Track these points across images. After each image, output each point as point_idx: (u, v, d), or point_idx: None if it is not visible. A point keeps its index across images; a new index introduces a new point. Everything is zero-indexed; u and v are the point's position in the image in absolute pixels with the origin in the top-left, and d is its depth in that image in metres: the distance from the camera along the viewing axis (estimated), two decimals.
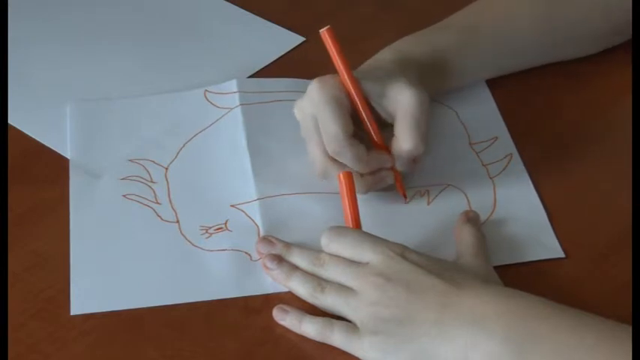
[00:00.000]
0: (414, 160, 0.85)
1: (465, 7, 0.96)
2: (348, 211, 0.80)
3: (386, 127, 0.85)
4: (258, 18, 1.06)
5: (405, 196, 0.86)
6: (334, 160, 0.83)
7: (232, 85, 0.96)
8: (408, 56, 0.89)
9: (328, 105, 0.81)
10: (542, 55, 0.98)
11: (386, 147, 0.84)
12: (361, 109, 0.83)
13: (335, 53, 0.83)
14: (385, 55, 0.89)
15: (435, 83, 0.91)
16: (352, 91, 0.83)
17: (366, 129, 0.84)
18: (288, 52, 1.00)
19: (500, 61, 0.96)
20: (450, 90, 0.95)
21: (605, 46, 0.99)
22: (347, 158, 0.82)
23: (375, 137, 0.84)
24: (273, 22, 1.05)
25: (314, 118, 0.83)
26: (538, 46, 0.97)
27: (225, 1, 1.09)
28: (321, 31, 0.83)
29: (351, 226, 0.79)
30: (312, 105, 0.83)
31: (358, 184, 0.83)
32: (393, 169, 0.84)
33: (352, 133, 0.82)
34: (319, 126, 0.82)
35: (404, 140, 0.83)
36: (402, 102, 0.83)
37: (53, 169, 0.88)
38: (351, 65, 0.84)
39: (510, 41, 0.95)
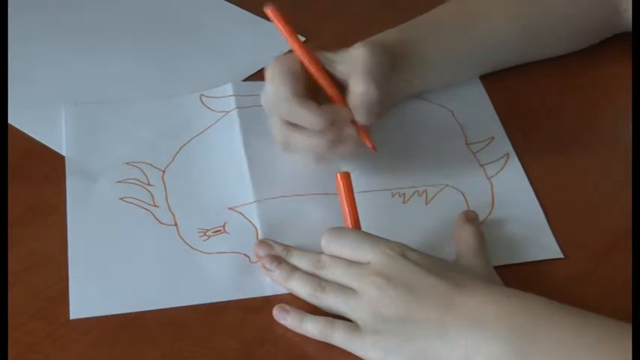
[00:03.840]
0: (375, 111, 0.84)
1: (441, 5, 0.96)
2: (347, 211, 0.80)
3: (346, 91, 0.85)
4: (257, 18, 1.06)
5: (374, 148, 0.85)
6: (290, 125, 0.83)
7: (228, 89, 0.96)
8: (378, 43, 0.89)
9: (279, 75, 0.82)
10: (519, 53, 0.98)
11: (345, 104, 0.84)
12: (315, 72, 0.84)
13: (283, 27, 0.84)
14: (355, 45, 0.89)
15: (409, 72, 0.91)
16: (305, 57, 0.84)
17: (324, 90, 0.84)
18: (288, 52, 1.00)
19: (476, 60, 0.97)
20: (429, 87, 0.95)
21: (586, 44, 0.99)
22: (300, 115, 0.82)
23: (334, 96, 0.84)
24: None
25: (273, 93, 0.83)
26: (516, 44, 0.97)
27: (224, 1, 1.09)
28: (266, 10, 0.84)
29: (350, 226, 0.80)
30: (270, 83, 0.83)
31: (320, 143, 0.83)
32: (353, 122, 0.84)
33: (304, 96, 0.82)
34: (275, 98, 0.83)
35: (355, 85, 0.83)
36: (354, 58, 0.84)
37: (53, 168, 0.88)
38: None
39: (486, 40, 0.95)
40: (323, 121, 0.82)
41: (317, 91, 0.84)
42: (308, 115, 0.82)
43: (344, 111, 0.83)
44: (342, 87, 0.85)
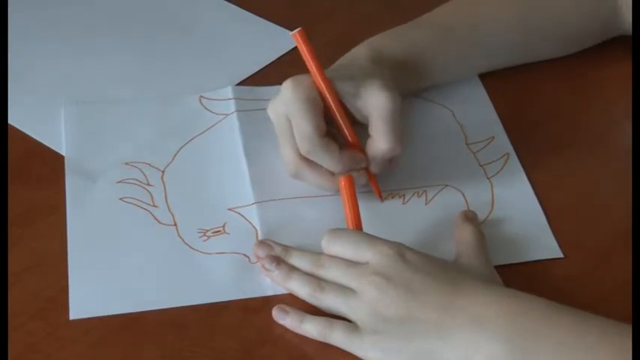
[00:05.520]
0: (389, 161, 0.85)
1: (443, 5, 0.96)
2: (349, 213, 0.80)
3: (358, 125, 0.85)
4: (258, 18, 1.06)
5: (381, 197, 0.86)
6: (306, 160, 0.83)
7: (227, 92, 0.96)
8: (382, 54, 0.89)
9: (301, 105, 0.81)
10: (518, 55, 0.98)
11: (360, 146, 0.84)
12: (334, 109, 0.83)
13: (307, 54, 0.83)
14: (360, 51, 0.90)
15: (409, 82, 0.91)
16: (325, 91, 0.83)
17: (339, 128, 0.84)
18: (288, 52, 1.00)
19: (476, 61, 0.97)
20: (424, 88, 0.95)
21: (585, 46, 0.99)
22: (320, 157, 0.82)
23: (349, 137, 0.84)
24: (273, 22, 1.05)
25: (287, 118, 0.83)
26: (514, 46, 0.97)
27: (224, 1, 1.09)
28: (291, 33, 0.83)
29: (352, 228, 0.80)
30: (286, 105, 0.83)
31: (330, 184, 0.83)
32: (366, 169, 0.84)
33: (325, 133, 0.82)
34: (292, 126, 0.82)
35: (381, 141, 0.83)
36: (377, 104, 0.83)
37: (53, 168, 0.88)
38: None
39: (485, 41, 0.96)
40: (341, 169, 0.82)
41: (329, 122, 0.83)
42: (329, 161, 0.82)
43: (362, 159, 0.84)
44: (353, 119, 0.85)
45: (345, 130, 0.84)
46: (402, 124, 0.84)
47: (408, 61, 0.91)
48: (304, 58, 0.83)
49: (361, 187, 0.85)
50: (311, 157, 0.83)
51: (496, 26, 0.96)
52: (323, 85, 0.83)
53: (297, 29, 0.82)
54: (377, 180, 0.86)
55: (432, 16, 0.96)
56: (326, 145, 0.82)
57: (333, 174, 0.84)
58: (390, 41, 0.92)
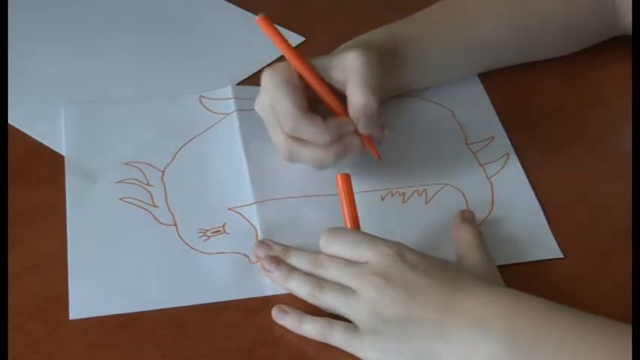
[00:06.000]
0: (380, 127, 0.85)
1: (434, 4, 0.96)
2: (347, 212, 0.80)
3: (343, 98, 0.85)
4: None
5: (379, 156, 0.86)
6: (295, 139, 0.83)
7: (227, 92, 0.96)
8: (367, 42, 0.89)
9: (279, 87, 0.82)
10: (514, 54, 0.98)
11: (347, 114, 0.84)
12: (314, 83, 0.84)
13: (275, 37, 0.84)
14: (345, 44, 0.90)
15: (399, 70, 0.91)
16: (302, 69, 0.83)
17: (324, 102, 0.84)
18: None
19: (469, 58, 0.97)
20: (418, 86, 0.96)
21: (582, 46, 0.99)
22: (305, 131, 0.82)
23: (335, 108, 0.84)
24: (273, 22, 1.04)
25: (272, 107, 0.83)
26: (509, 44, 0.97)
27: (224, 1, 1.09)
28: (255, 20, 0.84)
29: (350, 227, 0.80)
30: (267, 94, 0.83)
31: (327, 155, 0.83)
32: (357, 132, 0.84)
33: (307, 108, 0.82)
34: (276, 111, 0.83)
35: (354, 97, 0.83)
36: (349, 65, 0.83)
37: (53, 168, 0.88)
38: None
39: (476, 36, 0.95)
40: (329, 136, 0.82)
41: (314, 99, 0.84)
42: (315, 132, 0.82)
43: (348, 123, 0.84)
44: (338, 93, 0.85)
45: (328, 100, 0.84)
46: (376, 77, 0.84)
47: (395, 49, 0.91)
48: (275, 42, 0.84)
49: (359, 152, 0.84)
50: (297, 134, 0.83)
51: (490, 23, 0.95)
52: (299, 64, 0.83)
53: (260, 14, 0.83)
54: (371, 140, 0.86)
55: (421, 13, 0.96)
56: (309, 118, 0.82)
57: (325, 147, 0.83)
58: (376, 32, 0.92)
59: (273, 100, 0.83)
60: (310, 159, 0.84)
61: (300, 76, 0.84)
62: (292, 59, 0.84)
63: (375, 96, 0.83)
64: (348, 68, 0.84)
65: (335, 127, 0.83)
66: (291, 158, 0.85)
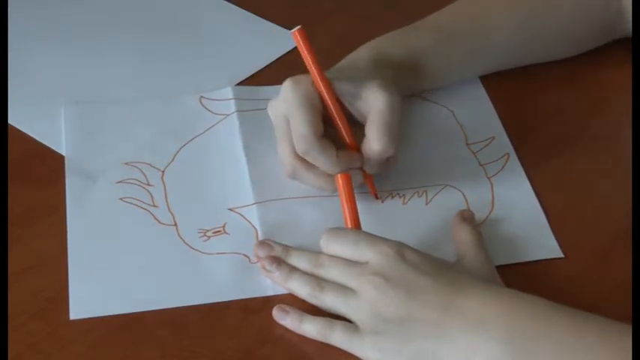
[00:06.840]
0: (385, 162, 0.85)
1: (445, 8, 0.96)
2: (347, 212, 0.80)
3: (358, 126, 0.85)
4: (258, 18, 1.06)
5: (377, 196, 0.86)
6: (303, 161, 0.83)
7: (227, 92, 0.96)
8: (383, 55, 0.89)
9: (299, 105, 0.82)
10: (520, 57, 0.98)
11: (357, 147, 0.84)
12: (333, 110, 0.83)
13: (306, 53, 0.83)
14: (362, 54, 0.90)
15: (409, 84, 0.92)
16: (324, 91, 0.83)
17: (337, 129, 0.84)
18: (288, 52, 1.00)
19: (477, 64, 0.97)
20: (426, 90, 0.96)
21: (586, 48, 0.99)
22: (316, 158, 0.82)
23: (346, 138, 0.84)
24: (273, 22, 1.05)
25: (286, 118, 0.83)
26: (516, 49, 0.97)
27: (224, 1, 1.09)
28: (291, 31, 0.83)
29: (350, 227, 0.80)
30: (285, 104, 0.83)
31: (327, 185, 0.83)
32: (362, 169, 0.84)
33: (322, 134, 0.82)
34: (290, 126, 0.82)
35: (373, 141, 0.82)
36: (374, 104, 0.83)
37: (53, 168, 0.88)
38: None
39: (487, 43, 0.96)
40: (338, 170, 0.82)
41: (328, 121, 0.83)
42: (325, 162, 0.82)
43: (358, 160, 0.83)
44: (352, 119, 0.84)
45: (343, 131, 0.84)
46: (399, 125, 0.83)
47: (409, 63, 0.91)
48: (304, 58, 0.83)
49: (359, 186, 0.84)
50: (307, 158, 0.83)
51: (498, 29, 0.95)
52: (322, 85, 0.83)
53: (297, 27, 0.82)
54: (373, 180, 0.86)
55: (433, 19, 0.96)
56: (323, 146, 0.82)
57: (330, 175, 0.83)
58: (391, 43, 0.92)
59: (290, 112, 0.82)
60: (311, 183, 0.85)
61: (321, 97, 0.83)
62: (317, 79, 0.83)
63: (394, 143, 0.83)
64: (373, 107, 0.83)
65: (345, 161, 0.83)
66: (293, 177, 0.85)
